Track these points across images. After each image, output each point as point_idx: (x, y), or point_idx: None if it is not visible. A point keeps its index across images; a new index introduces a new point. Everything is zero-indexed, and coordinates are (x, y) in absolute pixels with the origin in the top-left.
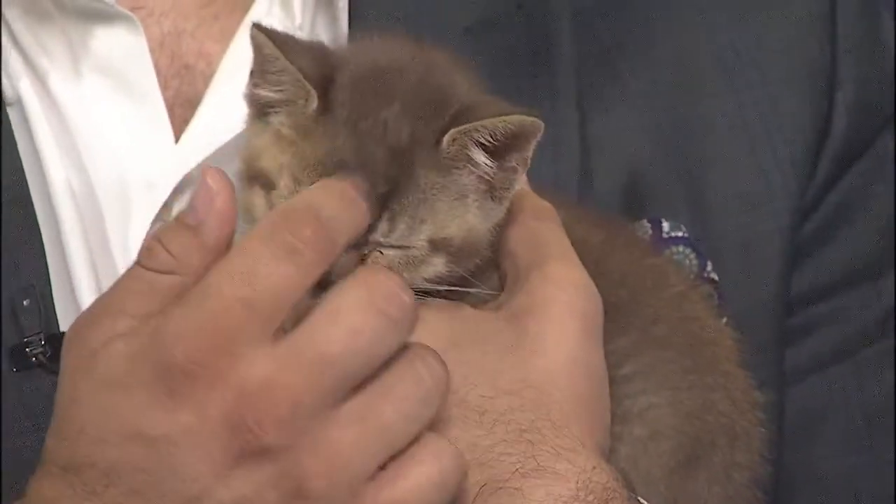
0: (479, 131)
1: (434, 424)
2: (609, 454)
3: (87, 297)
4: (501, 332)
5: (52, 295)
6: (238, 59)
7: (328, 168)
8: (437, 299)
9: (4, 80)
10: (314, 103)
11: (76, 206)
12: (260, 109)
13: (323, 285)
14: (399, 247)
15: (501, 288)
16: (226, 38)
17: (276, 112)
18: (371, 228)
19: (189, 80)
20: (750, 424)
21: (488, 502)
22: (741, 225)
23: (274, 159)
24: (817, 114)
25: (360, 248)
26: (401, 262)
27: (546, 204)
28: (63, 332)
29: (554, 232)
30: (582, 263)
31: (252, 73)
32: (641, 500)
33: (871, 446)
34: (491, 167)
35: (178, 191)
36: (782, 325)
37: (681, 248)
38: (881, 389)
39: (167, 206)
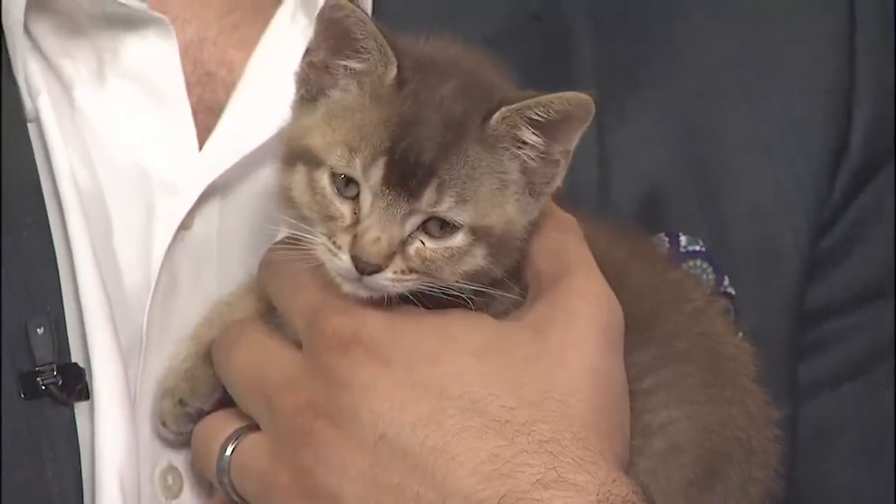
0: (531, 108)
1: (454, 434)
2: (629, 467)
3: (95, 319)
4: (524, 342)
5: (65, 322)
6: (260, 68)
7: (389, 128)
8: (460, 310)
9: (24, 97)
10: (393, 72)
11: (88, 226)
12: (310, 91)
13: (362, 269)
14: (440, 238)
15: (523, 298)
16: (247, 46)
17: (330, 93)
18: (417, 197)
19: (211, 88)
20: (766, 440)
21: None
22: (758, 239)
23: (323, 137)
24: (835, 130)
25: (405, 222)
26: (444, 255)
27: (569, 216)
28: (75, 363)
29: (577, 244)
30: (604, 276)
31: (309, 51)
32: None
33: (884, 462)
34: (542, 143)
35: (203, 198)
36: (797, 339)
37: (698, 262)
38: (893, 405)
39: (191, 213)
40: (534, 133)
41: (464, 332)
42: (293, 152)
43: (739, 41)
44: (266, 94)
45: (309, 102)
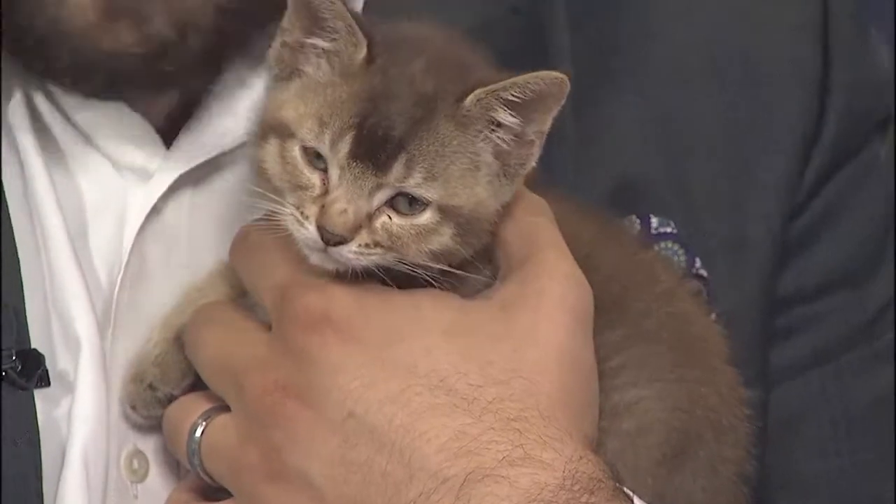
0: (507, 89)
1: (421, 412)
2: (597, 447)
3: (74, 306)
4: (492, 322)
5: (25, 310)
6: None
7: (358, 103)
8: (429, 289)
9: None
10: (363, 52)
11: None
12: (284, 70)
13: (327, 240)
14: (407, 215)
15: (493, 280)
16: None
17: (303, 69)
18: (385, 171)
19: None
20: (737, 419)
21: (475, 489)
22: (731, 224)
23: (295, 110)
24: (808, 118)
25: (372, 196)
26: (410, 231)
27: (539, 199)
28: (34, 349)
29: (547, 226)
30: (573, 257)
31: (282, 31)
32: (628, 492)
33: (853, 450)
34: (518, 123)
35: (175, 187)
36: (769, 324)
37: (669, 244)
38: (863, 394)
39: (164, 200)
40: (510, 114)
41: (433, 310)
42: (267, 125)
43: (714, 29)
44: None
45: (284, 80)
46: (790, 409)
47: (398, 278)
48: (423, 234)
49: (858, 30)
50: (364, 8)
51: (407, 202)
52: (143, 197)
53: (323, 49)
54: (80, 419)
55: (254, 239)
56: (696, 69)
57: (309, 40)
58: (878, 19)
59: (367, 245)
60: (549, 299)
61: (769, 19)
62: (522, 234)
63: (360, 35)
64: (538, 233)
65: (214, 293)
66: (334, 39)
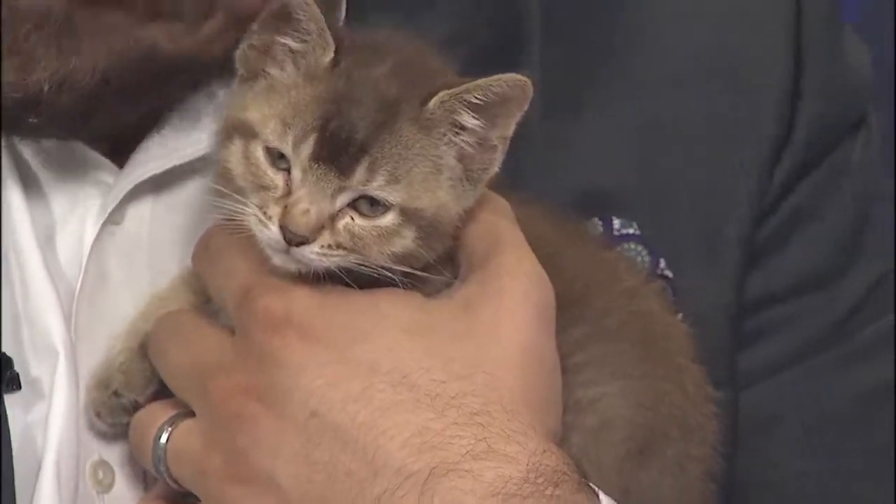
0: (470, 91)
1: (384, 409)
2: (562, 443)
3: (48, 316)
4: (455, 319)
5: None
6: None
7: (322, 105)
8: (391, 288)
9: None
10: (330, 55)
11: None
12: (249, 71)
13: (290, 240)
14: (370, 217)
15: (454, 279)
16: None
17: (269, 71)
18: (348, 174)
19: None
20: (704, 418)
21: (439, 484)
22: (703, 227)
23: (259, 110)
24: (780, 121)
25: (335, 198)
26: (372, 233)
27: (501, 199)
28: (3, 353)
29: (509, 226)
30: (536, 257)
31: (250, 33)
32: (593, 486)
33: (827, 451)
34: (481, 126)
35: (134, 194)
36: (739, 327)
37: (632, 245)
38: (837, 394)
39: (122, 209)
40: (473, 116)
41: (395, 309)
42: (231, 126)
43: (690, 32)
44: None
45: (248, 81)
46: (763, 411)
47: (360, 280)
48: (385, 237)
49: (832, 32)
50: (345, 18)
51: (369, 204)
52: (100, 207)
53: (290, 49)
54: (55, 427)
55: (215, 243)
56: (675, 76)
57: (281, 39)
58: (878, 19)
59: (329, 246)
60: (510, 297)
61: (746, 24)
62: (484, 234)
63: (329, 38)
64: (499, 232)
65: (178, 300)
66: (304, 41)
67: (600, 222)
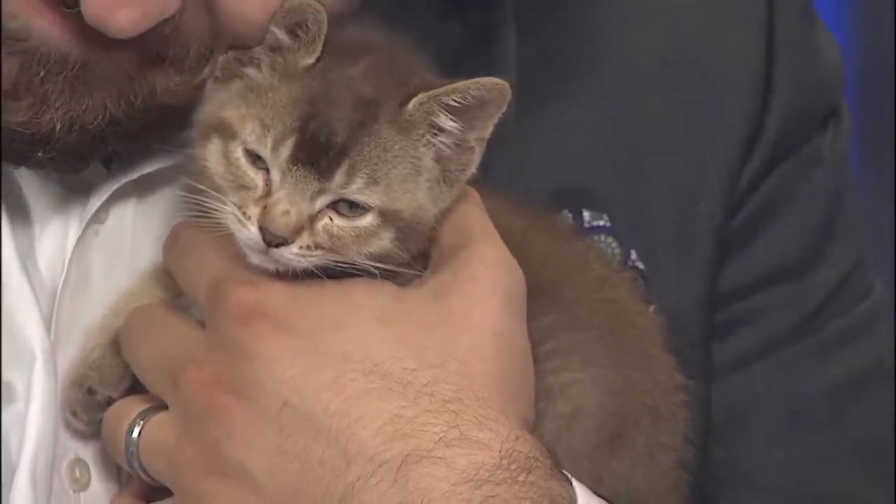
0: (448, 94)
1: (357, 398)
2: (533, 430)
3: (25, 319)
4: (426, 308)
5: None
6: None
7: (299, 107)
8: (362, 278)
9: None
10: (311, 60)
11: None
12: (225, 73)
13: (269, 241)
14: (349, 217)
15: (424, 270)
16: None
17: (245, 71)
18: (328, 177)
19: None
20: (674, 406)
21: (413, 471)
22: (675, 220)
23: (237, 110)
24: (751, 115)
25: (315, 200)
26: (351, 234)
27: (470, 188)
28: None
29: (478, 215)
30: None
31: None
32: (565, 473)
33: (800, 443)
34: (459, 128)
35: (118, 195)
36: (711, 320)
37: (602, 237)
38: (809, 385)
39: (106, 208)
40: (451, 119)
41: (366, 298)
42: (208, 125)
43: (664, 30)
44: None
45: (223, 82)
46: (736, 403)
47: (332, 273)
48: (363, 237)
49: (805, 26)
50: None
51: (348, 205)
52: (85, 206)
53: (270, 48)
54: (33, 429)
55: (185, 237)
56: (649, 69)
57: (274, 29)
58: (877, 19)
59: (308, 247)
60: (481, 284)
61: (717, 18)
62: (454, 223)
63: (319, 46)
64: (469, 221)
65: (149, 296)
66: (296, 37)
67: (570, 214)
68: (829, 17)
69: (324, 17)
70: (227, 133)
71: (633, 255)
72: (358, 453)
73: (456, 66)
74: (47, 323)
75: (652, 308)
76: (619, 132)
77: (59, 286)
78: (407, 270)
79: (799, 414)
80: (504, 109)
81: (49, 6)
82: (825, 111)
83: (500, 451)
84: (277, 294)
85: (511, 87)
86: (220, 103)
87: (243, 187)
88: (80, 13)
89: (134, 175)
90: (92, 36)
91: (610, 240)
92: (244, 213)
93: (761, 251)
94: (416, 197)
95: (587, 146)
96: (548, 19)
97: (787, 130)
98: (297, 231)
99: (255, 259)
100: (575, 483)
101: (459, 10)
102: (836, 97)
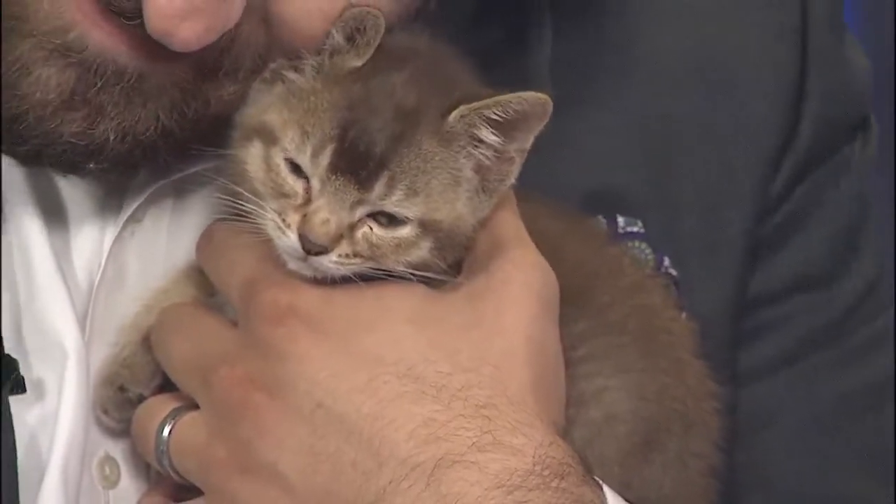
0: (490, 108)
1: (390, 400)
2: (564, 436)
3: (58, 318)
4: (460, 311)
5: None
6: None
7: (338, 113)
8: (395, 280)
9: None
10: (358, 64)
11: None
12: (272, 75)
13: (308, 249)
14: (388, 227)
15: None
16: None
17: (286, 75)
18: (367, 188)
19: None
20: (705, 413)
21: (445, 475)
22: (707, 226)
23: (279, 114)
24: (784, 122)
25: (354, 209)
26: (390, 244)
27: (507, 193)
28: (7, 354)
29: (511, 219)
30: (539, 251)
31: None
32: (597, 479)
33: (821, 450)
34: (500, 142)
35: (157, 194)
36: (739, 326)
37: (636, 243)
38: (833, 393)
39: (144, 208)
40: (492, 132)
41: (399, 301)
42: (251, 128)
43: (698, 34)
44: None
45: (267, 84)
46: (759, 409)
47: (369, 278)
48: (402, 247)
49: (836, 35)
50: None
51: (388, 216)
52: (120, 206)
53: (318, 51)
54: (64, 426)
55: (219, 236)
56: (680, 74)
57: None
58: (878, 19)
59: (347, 255)
60: (514, 288)
61: (751, 24)
62: (488, 229)
63: (370, 52)
64: (502, 225)
65: (181, 294)
66: (353, 42)
67: (604, 220)
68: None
69: (382, 24)
70: (268, 138)
71: (667, 261)
72: (390, 456)
73: (490, 70)
74: (81, 321)
75: (684, 314)
76: (652, 137)
77: (96, 282)
78: (443, 277)
79: (820, 421)
80: (546, 122)
81: (106, 18)
82: (855, 120)
83: (534, 457)
84: (310, 295)
85: (551, 98)
86: (263, 106)
87: (283, 194)
88: (137, 25)
89: (173, 176)
90: (149, 48)
91: (643, 246)
92: (284, 220)
93: (790, 258)
94: (456, 207)
95: (620, 151)
96: (581, 23)
97: (819, 139)
98: (337, 240)
99: (293, 265)
100: (606, 489)
101: (495, 14)
102: (866, 106)
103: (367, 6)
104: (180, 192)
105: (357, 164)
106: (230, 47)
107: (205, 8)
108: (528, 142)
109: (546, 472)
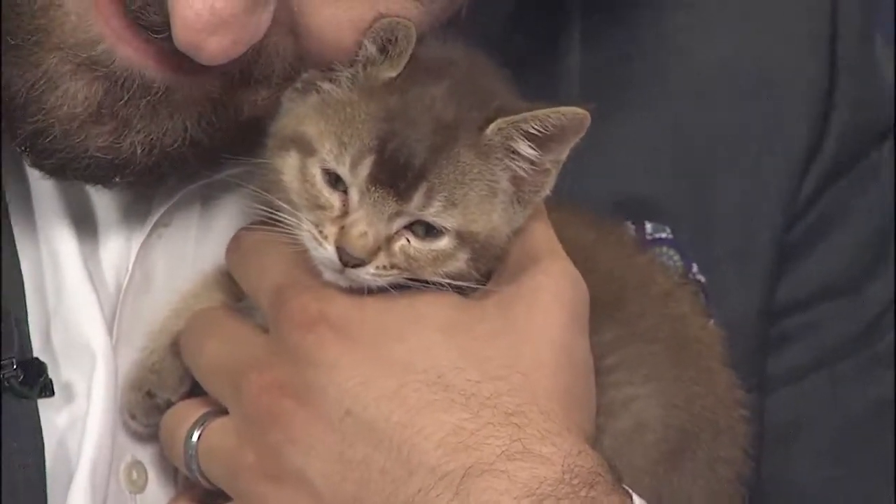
0: (528, 121)
1: (419, 408)
2: (593, 445)
3: (87, 321)
4: (490, 319)
5: (27, 320)
6: None
7: (377, 124)
8: (426, 286)
9: None
10: (392, 74)
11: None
12: (305, 85)
13: (346, 261)
14: (425, 239)
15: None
16: None
17: (320, 86)
18: (406, 199)
19: None
20: (734, 420)
21: (474, 484)
22: (738, 233)
23: (316, 125)
24: (812, 130)
25: (392, 221)
26: (427, 256)
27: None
28: (36, 358)
29: (543, 227)
30: (570, 259)
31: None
32: (627, 488)
33: (848, 459)
34: (537, 155)
35: (186, 198)
36: (768, 333)
37: (664, 249)
38: (861, 400)
39: (172, 212)
40: (529, 145)
41: (429, 308)
42: (286, 138)
43: (729, 43)
44: None
45: (301, 94)
46: (787, 416)
47: (401, 286)
48: (439, 259)
49: (865, 44)
50: None
51: (424, 227)
52: (148, 210)
53: (352, 62)
54: (92, 430)
55: (249, 241)
56: (712, 82)
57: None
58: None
59: (384, 267)
60: (545, 296)
61: (781, 33)
62: (519, 237)
63: (403, 62)
64: (534, 233)
65: (209, 299)
66: (383, 50)
67: (633, 226)
68: None
69: (413, 34)
70: (305, 148)
71: (695, 268)
72: (419, 464)
73: (520, 76)
74: (109, 325)
75: (712, 321)
76: (682, 143)
77: (124, 285)
78: (475, 286)
79: (848, 429)
80: (582, 135)
81: (133, 32)
82: (882, 128)
83: (563, 466)
84: (340, 302)
85: (590, 113)
86: (299, 117)
87: (318, 206)
88: (164, 39)
89: (200, 181)
90: (177, 61)
91: (672, 252)
92: (321, 232)
93: (817, 265)
94: (492, 218)
95: (650, 157)
96: (612, 28)
97: (847, 146)
98: (374, 252)
99: (329, 276)
100: (636, 498)
101: (526, 21)
102: (891, 115)
103: (398, 16)
104: (208, 196)
105: (396, 175)
106: (257, 59)
107: (232, 21)
108: (564, 153)
109: (575, 481)
